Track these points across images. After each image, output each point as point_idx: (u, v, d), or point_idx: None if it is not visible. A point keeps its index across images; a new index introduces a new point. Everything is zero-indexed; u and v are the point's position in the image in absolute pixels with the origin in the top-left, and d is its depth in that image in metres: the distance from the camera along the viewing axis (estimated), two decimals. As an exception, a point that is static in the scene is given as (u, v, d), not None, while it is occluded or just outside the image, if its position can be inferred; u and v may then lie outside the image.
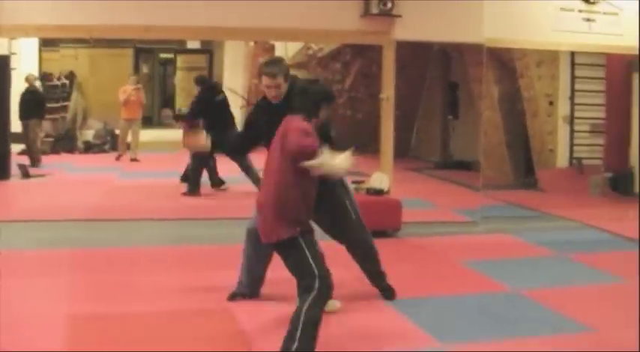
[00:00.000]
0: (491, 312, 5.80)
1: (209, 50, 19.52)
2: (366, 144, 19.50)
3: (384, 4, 8.55)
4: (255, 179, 10.60)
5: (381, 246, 7.43)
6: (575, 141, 13.02)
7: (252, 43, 17.95)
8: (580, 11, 9.45)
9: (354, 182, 9.11)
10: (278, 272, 5.32)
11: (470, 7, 9.01)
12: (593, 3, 9.46)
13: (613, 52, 10.61)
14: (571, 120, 12.92)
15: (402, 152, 18.31)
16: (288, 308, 4.65)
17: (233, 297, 5.84)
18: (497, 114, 13.06)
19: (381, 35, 8.83)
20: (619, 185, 12.64)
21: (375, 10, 8.58)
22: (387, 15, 8.63)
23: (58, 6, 8.15)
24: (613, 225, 9.46)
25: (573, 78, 12.79)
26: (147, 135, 18.06)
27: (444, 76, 17.14)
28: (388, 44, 8.88)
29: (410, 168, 15.31)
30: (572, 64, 12.74)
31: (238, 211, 9.75)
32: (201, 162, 11.11)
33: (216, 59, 19.52)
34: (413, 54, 18.32)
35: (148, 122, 19.90)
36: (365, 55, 16.98)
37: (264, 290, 5.94)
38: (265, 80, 5.34)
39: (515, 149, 13.23)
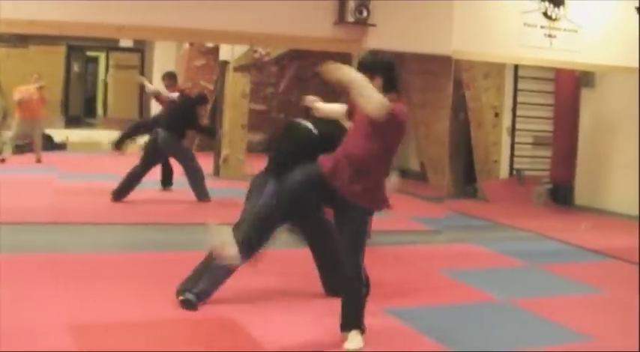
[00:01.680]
0: (491, 322, 5.88)
1: (141, 49, 19.16)
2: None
3: (360, 13, 8.55)
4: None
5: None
6: (516, 153, 13.32)
7: (187, 45, 17.70)
8: (542, 27, 9.66)
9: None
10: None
11: (440, 20, 9.13)
12: (555, 19, 9.69)
13: (573, 68, 10.89)
14: (512, 131, 13.21)
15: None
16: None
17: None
18: (443, 125, 13.22)
19: (353, 43, 8.81)
20: (559, 196, 13.01)
21: (350, 18, 8.57)
22: (362, 24, 8.63)
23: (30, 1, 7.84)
24: (568, 236, 9.73)
25: (516, 90, 13.08)
26: (75, 135, 17.66)
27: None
28: (360, 53, 8.85)
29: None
30: (516, 77, 13.03)
31: (187, 217, 9.79)
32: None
33: (148, 59, 19.18)
34: (330, 57, 18.47)
35: (75, 122, 19.43)
36: (302, 59, 17.01)
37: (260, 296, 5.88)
38: None
39: (456, 159, 13.42)
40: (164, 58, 18.21)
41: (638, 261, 8.01)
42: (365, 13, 8.58)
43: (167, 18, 8.20)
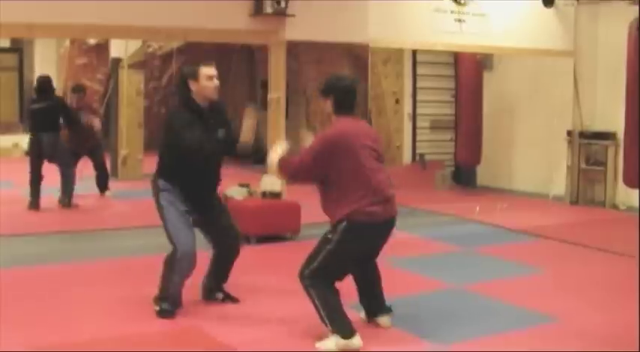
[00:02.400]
0: (456, 309, 5.84)
1: (19, 49, 18.23)
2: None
3: (278, 3, 8.36)
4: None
5: (288, 251, 7.63)
6: (418, 138, 13.44)
7: (66, 43, 17.02)
8: (452, 12, 9.74)
9: (241, 185, 8.92)
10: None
11: (356, 9, 9.08)
12: (463, 4, 9.78)
13: (484, 52, 11.07)
14: (413, 117, 13.32)
15: None
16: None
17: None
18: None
19: (271, 35, 8.63)
20: (461, 178, 13.23)
21: (269, 9, 8.36)
22: (281, 14, 8.45)
23: None
24: (487, 217, 9.94)
25: (415, 76, 13.19)
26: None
27: (250, 73, 17.30)
28: (278, 44, 8.71)
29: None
30: (414, 62, 13.13)
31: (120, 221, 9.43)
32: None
33: (27, 59, 18.30)
34: (217, 50, 18.29)
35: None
36: (188, 53, 16.64)
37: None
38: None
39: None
40: (44, 58, 17.49)
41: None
42: (283, 4, 8.39)
43: (80, 14, 7.75)
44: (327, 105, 5.04)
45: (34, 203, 10.01)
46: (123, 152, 13.19)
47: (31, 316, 5.43)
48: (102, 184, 11.34)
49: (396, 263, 7.26)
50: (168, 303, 5.36)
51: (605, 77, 11.00)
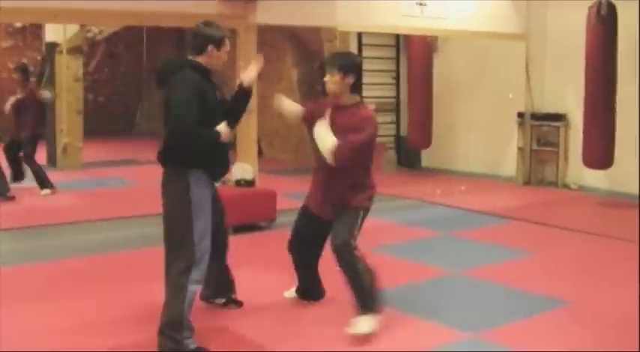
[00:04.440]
0: (469, 296, 5.84)
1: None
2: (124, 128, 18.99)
3: (249, -13, 8.19)
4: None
5: (266, 241, 7.65)
6: (363, 121, 13.40)
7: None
8: (414, -4, 9.77)
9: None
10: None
11: (324, -7, 8.96)
12: (424, -12, 9.82)
13: (438, 35, 11.14)
14: (360, 99, 13.26)
15: (127, 131, 18.23)
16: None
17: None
18: (295, 96, 13.08)
19: (239, 19, 8.44)
20: (407, 161, 13.31)
21: (240, -7, 8.20)
22: (252, -1, 8.29)
23: None
24: (450, 200, 10.02)
25: (361, 58, 13.13)
26: None
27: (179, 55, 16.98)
28: (247, 28, 8.53)
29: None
30: (360, 44, 13.09)
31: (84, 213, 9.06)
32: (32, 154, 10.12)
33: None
34: (140, 37, 17.96)
35: None
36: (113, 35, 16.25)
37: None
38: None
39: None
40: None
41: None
42: (254, -13, 8.23)
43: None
44: (345, 81, 4.90)
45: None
46: (63, 141, 12.73)
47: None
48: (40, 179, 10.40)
49: (387, 250, 7.25)
50: (190, 332, 4.45)
51: (555, 60, 11.22)
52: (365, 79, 13.06)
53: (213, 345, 4.56)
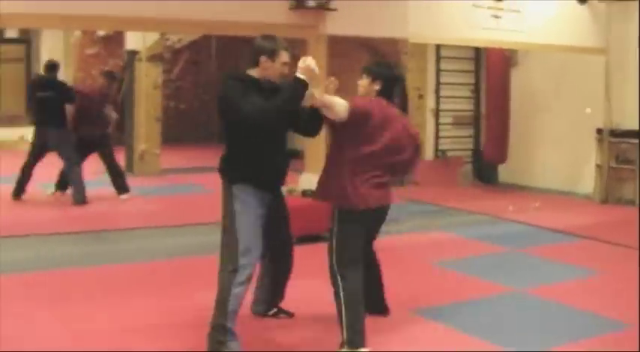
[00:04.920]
0: (528, 315, 5.68)
1: (27, 40, 17.90)
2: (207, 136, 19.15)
3: (321, -3, 8.20)
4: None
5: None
6: (440, 134, 13.30)
7: (78, 33, 16.78)
8: (489, 8, 9.61)
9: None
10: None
11: (397, 4, 8.94)
12: (500, 0, 9.64)
13: (519, 48, 10.96)
14: (436, 113, 13.17)
15: (209, 139, 18.30)
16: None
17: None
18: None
19: (310, 29, 8.45)
20: (483, 175, 13.10)
21: (311, 2, 8.20)
22: (323, 9, 8.28)
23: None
24: (522, 217, 9.80)
25: (439, 71, 13.04)
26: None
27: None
28: (317, 38, 8.53)
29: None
30: (438, 57, 12.98)
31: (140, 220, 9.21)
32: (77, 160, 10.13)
33: (34, 50, 18.01)
34: (225, 46, 18.08)
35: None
36: (195, 43, 16.49)
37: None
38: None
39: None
40: (52, 49, 17.17)
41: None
42: (325, -3, 8.22)
43: (124, 7, 7.55)
44: (371, 86, 4.93)
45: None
46: (141, 147, 12.96)
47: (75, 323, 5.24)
48: (119, 184, 10.61)
49: (449, 266, 7.15)
50: (233, 334, 4.53)
51: (636, 75, 10.88)
52: (442, 92, 13.10)
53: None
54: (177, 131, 17.68)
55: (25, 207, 9.82)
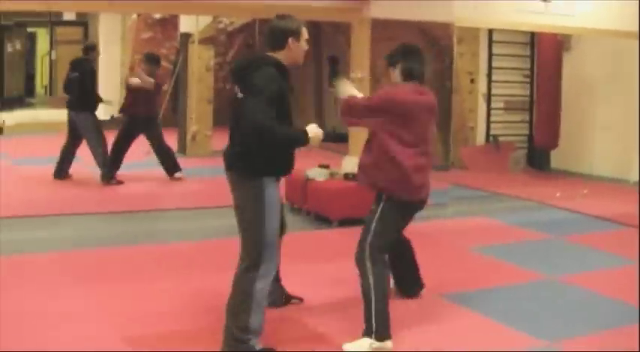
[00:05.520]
0: (558, 302, 5.64)
1: (84, 22, 18.20)
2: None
3: (365, -20, 8.18)
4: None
5: None
6: (491, 119, 13.16)
7: (134, 16, 17.00)
8: (538, -8, 9.49)
9: (321, 166, 8.75)
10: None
11: (441, -13, 8.83)
12: (550, -16, 9.52)
13: (568, 33, 10.78)
14: (488, 97, 13.03)
15: None
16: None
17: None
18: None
19: (354, 13, 8.45)
20: (535, 161, 12.94)
21: (355, -14, 8.20)
22: (367, -8, 8.28)
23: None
24: (569, 204, 9.66)
25: (491, 55, 12.89)
26: (18, 116, 16.79)
27: (316, 49, 17.06)
28: (361, 22, 8.53)
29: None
30: (490, 42, 12.83)
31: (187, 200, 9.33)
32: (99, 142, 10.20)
33: (92, 32, 18.32)
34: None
35: (18, 103, 18.47)
36: (251, 26, 16.52)
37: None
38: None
39: (443, 128, 13.19)
40: (109, 31, 17.45)
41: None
42: (371, -19, 8.21)
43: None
44: (394, 73, 4.85)
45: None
46: (193, 128, 13.10)
47: (116, 304, 5.35)
48: (169, 165, 10.70)
49: (486, 251, 7.11)
50: (256, 336, 4.33)
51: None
52: (494, 77, 12.94)
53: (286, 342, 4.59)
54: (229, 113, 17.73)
55: (70, 186, 10.00)
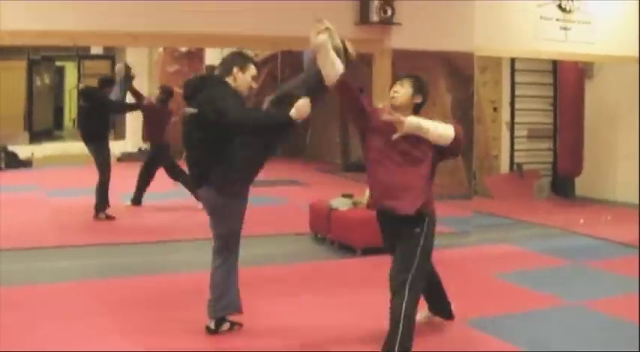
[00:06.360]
0: (580, 329, 5.67)
1: (111, 56, 18.50)
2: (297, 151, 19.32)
3: (384, 12, 8.32)
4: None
5: None
6: (515, 147, 13.20)
7: (160, 50, 17.26)
8: (557, 20, 9.55)
9: (344, 195, 8.85)
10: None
11: (461, 17, 8.98)
12: (569, 12, 9.58)
13: (589, 60, 10.84)
14: (512, 125, 13.09)
15: (296, 152, 18.32)
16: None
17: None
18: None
19: (375, 43, 8.57)
20: (559, 189, 12.95)
21: (375, 18, 8.34)
22: (387, 23, 8.40)
23: (42, 8, 7.37)
24: (593, 230, 9.66)
25: (513, 84, 12.96)
26: (41, 150, 17.06)
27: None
28: (382, 52, 8.65)
29: (319, 169, 16.51)
30: (513, 70, 12.90)
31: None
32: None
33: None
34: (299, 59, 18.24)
35: (47, 135, 18.76)
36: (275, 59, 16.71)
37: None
38: None
39: (466, 156, 13.26)
40: (136, 65, 17.62)
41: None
42: (390, 12, 8.35)
43: (179, 23, 7.83)
44: (412, 99, 4.90)
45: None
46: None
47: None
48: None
49: (509, 278, 7.14)
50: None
51: None
52: (517, 105, 13.00)
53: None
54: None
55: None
